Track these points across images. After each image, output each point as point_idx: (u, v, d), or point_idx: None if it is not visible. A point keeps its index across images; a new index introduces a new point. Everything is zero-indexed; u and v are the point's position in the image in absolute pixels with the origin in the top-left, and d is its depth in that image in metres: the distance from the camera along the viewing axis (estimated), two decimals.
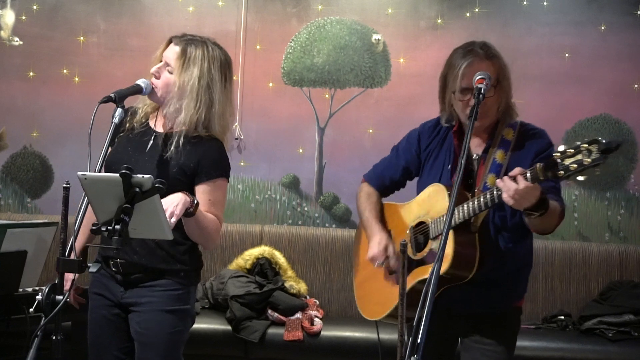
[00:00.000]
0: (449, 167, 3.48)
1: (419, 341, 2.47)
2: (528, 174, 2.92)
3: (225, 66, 3.50)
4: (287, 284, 5.97)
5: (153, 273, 3.41)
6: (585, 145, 2.73)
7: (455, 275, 3.25)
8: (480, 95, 3.12)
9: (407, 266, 3.45)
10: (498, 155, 3.35)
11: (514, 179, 2.95)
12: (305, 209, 6.78)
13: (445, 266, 3.19)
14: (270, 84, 6.75)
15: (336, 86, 6.72)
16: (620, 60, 6.65)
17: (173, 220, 3.11)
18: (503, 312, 3.50)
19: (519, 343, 5.47)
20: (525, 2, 6.71)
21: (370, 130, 6.70)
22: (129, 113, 3.47)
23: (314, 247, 6.43)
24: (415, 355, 2.45)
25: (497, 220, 3.37)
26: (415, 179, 3.75)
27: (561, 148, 2.79)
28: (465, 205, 3.23)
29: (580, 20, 6.68)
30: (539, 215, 3.06)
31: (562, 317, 6.10)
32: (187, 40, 3.44)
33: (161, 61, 3.46)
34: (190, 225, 3.31)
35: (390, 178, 3.79)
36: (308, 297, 6.11)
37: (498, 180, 3.04)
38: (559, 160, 2.79)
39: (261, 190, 6.77)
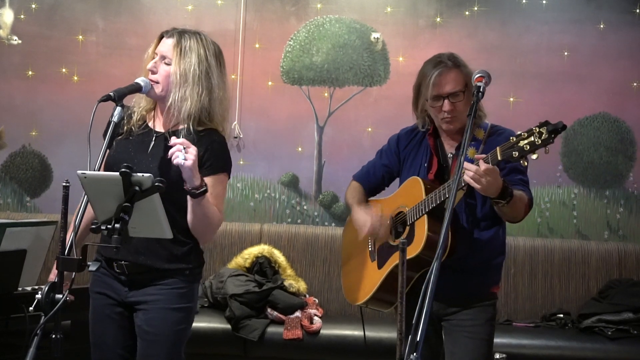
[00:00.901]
0: (425, 164, 3.76)
1: (417, 339, 2.47)
2: (489, 157, 3.21)
3: (219, 53, 3.56)
4: (286, 283, 5.95)
5: (158, 272, 3.42)
6: (537, 128, 3.08)
7: (429, 257, 3.34)
8: (480, 93, 3.27)
9: (387, 252, 3.77)
10: (469, 152, 3.61)
11: (477, 163, 3.23)
12: (305, 207, 6.77)
13: (419, 247, 3.52)
14: (269, 83, 6.74)
15: (335, 85, 6.72)
16: (619, 59, 6.65)
17: (189, 163, 3.14)
18: (479, 297, 3.72)
19: (518, 341, 5.65)
20: (524, 1, 6.71)
21: (369, 129, 6.70)
22: (124, 116, 3.43)
23: (313, 246, 6.43)
24: (415, 354, 2.45)
25: (467, 209, 3.64)
26: (396, 182, 4.06)
27: (517, 133, 3.15)
28: (437, 191, 3.50)
29: (579, 18, 6.68)
30: (506, 203, 3.35)
31: (561, 316, 6.10)
32: (179, 32, 3.48)
33: (154, 57, 3.49)
34: (196, 210, 3.33)
35: (374, 175, 4.08)
36: (307, 295, 6.09)
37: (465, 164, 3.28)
38: (514, 144, 3.13)
39: (260, 189, 6.76)
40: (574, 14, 6.68)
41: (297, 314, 5.79)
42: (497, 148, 3.21)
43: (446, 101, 3.58)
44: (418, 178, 3.71)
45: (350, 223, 4.09)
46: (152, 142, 3.48)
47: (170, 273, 3.43)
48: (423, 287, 2.61)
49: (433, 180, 3.69)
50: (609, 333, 5.77)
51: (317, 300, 6.13)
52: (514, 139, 3.14)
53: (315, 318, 5.80)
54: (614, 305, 5.97)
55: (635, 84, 6.66)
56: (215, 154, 3.46)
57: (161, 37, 3.51)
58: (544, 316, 6.21)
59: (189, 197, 3.28)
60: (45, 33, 6.74)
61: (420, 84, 3.69)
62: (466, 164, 3.25)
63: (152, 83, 3.44)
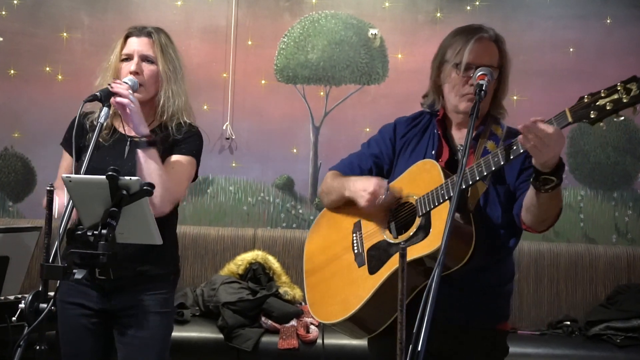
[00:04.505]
0: (433, 152, 3.25)
1: (419, 349, 2.31)
2: (553, 120, 2.72)
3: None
4: (281, 290, 5.88)
5: (147, 277, 3.45)
6: (622, 84, 2.60)
7: (450, 257, 2.93)
8: (482, 92, 2.95)
9: (385, 252, 3.14)
10: (489, 145, 3.16)
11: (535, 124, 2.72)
12: (300, 211, 6.71)
13: (437, 243, 2.86)
14: (263, 82, 6.70)
15: (331, 83, 6.68)
16: (626, 55, 6.58)
17: (133, 107, 3.25)
18: (485, 332, 3.21)
19: (523, 350, 5.58)
20: None
21: (367, 129, 6.58)
22: (88, 123, 3.54)
23: None
24: None
25: (490, 211, 3.12)
26: None
27: (592, 92, 2.67)
28: (468, 170, 2.96)
29: (584, 13, 6.64)
30: (555, 185, 2.81)
31: (568, 323, 6.03)
32: (148, 29, 3.53)
33: (125, 59, 3.49)
34: (143, 165, 3.31)
35: (360, 167, 3.46)
36: (303, 303, 5.98)
37: (520, 127, 2.76)
38: (590, 102, 2.65)
39: (254, 192, 6.71)
40: (579, 9, 6.65)
41: (293, 322, 5.72)
42: (566, 109, 2.69)
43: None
44: (432, 160, 3.15)
45: (322, 225, 3.55)
46: (127, 147, 3.49)
47: (159, 277, 3.48)
48: (425, 291, 2.40)
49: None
50: (618, 341, 5.70)
51: None
52: (589, 97, 2.65)
53: (312, 327, 5.71)
54: (623, 311, 5.89)
55: None
56: (193, 141, 3.53)
57: (125, 38, 3.53)
58: (550, 323, 6.14)
59: (138, 151, 3.31)
60: (29, 30, 6.66)
61: (447, 49, 3.22)
62: (528, 126, 2.73)
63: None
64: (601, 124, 2.65)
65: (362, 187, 3.19)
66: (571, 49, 6.59)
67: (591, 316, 6.00)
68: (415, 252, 2.97)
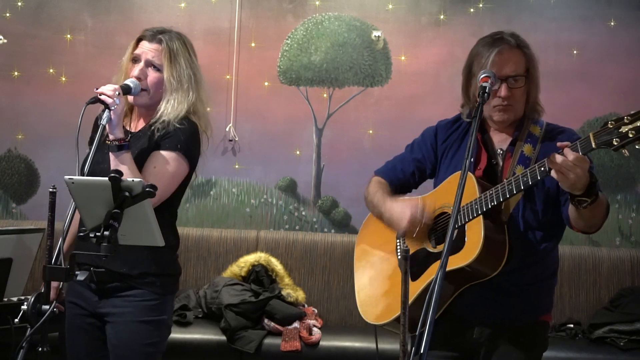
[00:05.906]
0: (472, 159, 3.26)
1: (422, 350, 2.32)
2: (578, 145, 2.75)
3: (194, 49, 3.61)
4: (284, 292, 5.87)
5: (128, 281, 3.38)
6: None
7: (480, 269, 3.05)
8: (485, 95, 3.00)
9: (424, 261, 3.23)
10: (525, 148, 3.23)
11: (561, 152, 2.77)
12: (303, 213, 6.68)
13: (472, 255, 3.01)
14: (266, 83, 6.66)
15: (334, 85, 6.63)
16: (630, 57, 6.55)
17: (118, 109, 3.24)
18: (525, 326, 3.29)
19: None
20: None
21: (370, 131, 6.60)
22: (97, 121, 3.48)
23: (312, 254, 6.31)
24: None
25: (527, 215, 3.20)
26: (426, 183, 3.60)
27: (616, 117, 2.68)
28: (500, 187, 3.04)
29: (588, 15, 6.59)
30: (591, 202, 2.86)
31: (572, 326, 5.99)
32: (161, 34, 3.49)
33: (134, 60, 3.48)
34: (112, 168, 3.26)
35: (403, 171, 3.56)
36: (306, 305, 6.01)
37: (546, 160, 2.83)
38: (614, 129, 2.67)
39: (257, 194, 6.67)
40: (583, 10, 6.60)
41: (296, 324, 5.70)
42: (590, 134, 2.72)
43: (504, 85, 3.16)
44: (469, 173, 3.15)
45: (370, 226, 3.66)
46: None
47: (139, 283, 3.40)
48: (428, 294, 2.43)
49: (482, 178, 3.22)
50: (621, 344, 5.67)
51: (316, 311, 6.04)
52: (613, 123, 2.66)
53: (315, 329, 5.70)
54: (627, 314, 5.86)
55: None
56: (176, 135, 3.42)
57: (139, 40, 3.51)
58: (553, 326, 6.05)
59: (110, 154, 3.29)
60: (32, 32, 6.63)
61: (473, 63, 3.27)
62: (553, 157, 2.79)
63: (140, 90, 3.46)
64: (623, 150, 2.68)
65: (399, 215, 3.26)
66: (575, 51, 6.54)
67: (595, 319, 5.96)
68: (450, 264, 2.97)
